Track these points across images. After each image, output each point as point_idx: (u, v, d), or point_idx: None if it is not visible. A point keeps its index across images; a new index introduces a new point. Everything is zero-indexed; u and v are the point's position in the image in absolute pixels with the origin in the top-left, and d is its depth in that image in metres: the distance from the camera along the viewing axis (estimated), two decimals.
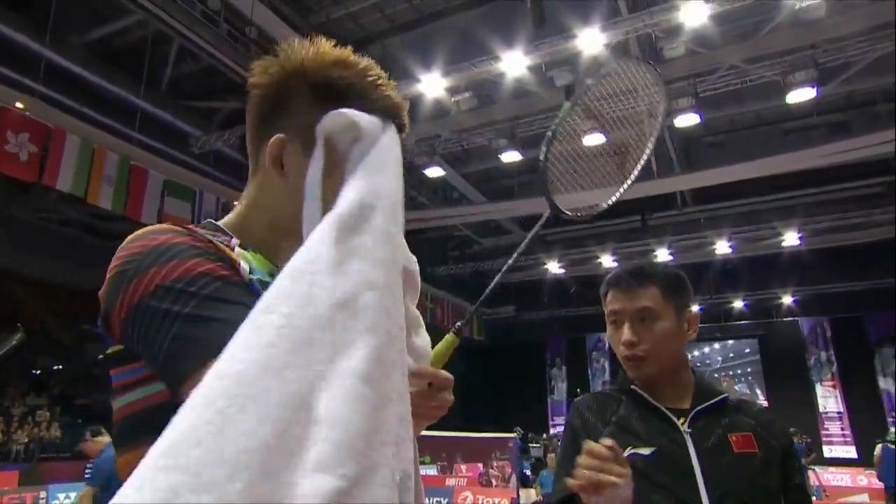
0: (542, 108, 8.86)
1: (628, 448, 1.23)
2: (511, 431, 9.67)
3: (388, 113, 0.79)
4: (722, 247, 12.52)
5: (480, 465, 11.74)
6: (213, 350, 0.59)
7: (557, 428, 17.01)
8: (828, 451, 14.79)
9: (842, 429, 15.31)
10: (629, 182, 1.23)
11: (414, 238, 11.27)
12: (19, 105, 6.85)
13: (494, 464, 11.22)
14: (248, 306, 0.64)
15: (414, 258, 0.80)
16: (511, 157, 9.32)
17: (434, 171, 10.24)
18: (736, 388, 16.22)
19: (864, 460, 13.24)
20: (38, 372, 15.75)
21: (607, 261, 13.42)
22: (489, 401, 15.92)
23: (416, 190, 11.05)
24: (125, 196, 7.88)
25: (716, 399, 1.29)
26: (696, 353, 17.03)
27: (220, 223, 0.83)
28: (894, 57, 7.24)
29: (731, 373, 17.02)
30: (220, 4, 7.49)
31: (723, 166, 9.40)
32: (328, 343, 0.54)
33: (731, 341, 17.11)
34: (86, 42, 8.29)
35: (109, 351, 0.72)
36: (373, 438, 0.52)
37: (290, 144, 0.81)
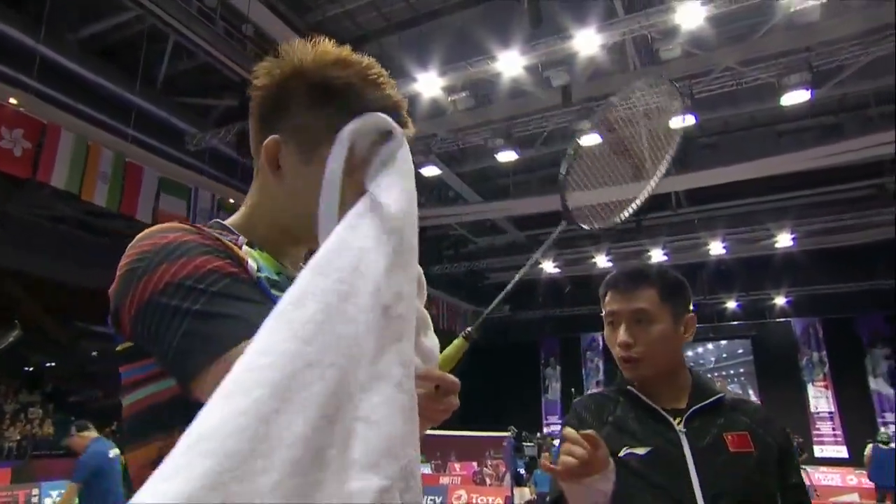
0: (538, 108, 8.86)
1: (624, 448, 1.23)
2: (505, 430, 9.69)
3: (387, 112, 0.78)
4: (716, 247, 12.57)
5: (475, 464, 11.74)
6: (223, 346, 0.61)
7: (551, 427, 17.05)
8: (819, 451, 14.87)
9: (833, 429, 15.40)
10: (641, 199, 1.25)
11: None
12: (13, 101, 6.81)
13: (489, 462, 11.23)
14: (258, 303, 0.67)
15: None
16: (507, 156, 9.32)
17: (430, 171, 10.23)
18: (729, 388, 16.29)
19: (854, 460, 13.33)
20: (31, 369, 15.66)
21: (602, 261, 13.45)
22: (483, 400, 15.93)
23: None
24: (120, 193, 7.84)
25: (712, 399, 1.29)
26: (689, 353, 17.08)
27: (226, 223, 0.84)
28: (894, 59, 7.28)
29: (723, 373, 17.09)
30: (217, 2, 7.46)
31: (717, 167, 9.43)
32: (369, 346, 0.56)
33: (724, 342, 17.18)
34: (80, 38, 8.24)
35: (119, 348, 0.73)
36: (407, 441, 0.55)
37: (286, 146, 0.82)
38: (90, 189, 7.48)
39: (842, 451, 14.71)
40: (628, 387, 1.35)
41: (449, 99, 8.39)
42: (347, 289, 0.56)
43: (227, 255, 0.72)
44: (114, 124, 8.57)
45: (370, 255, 0.60)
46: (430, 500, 9.34)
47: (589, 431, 1.10)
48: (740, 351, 17.00)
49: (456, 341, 0.84)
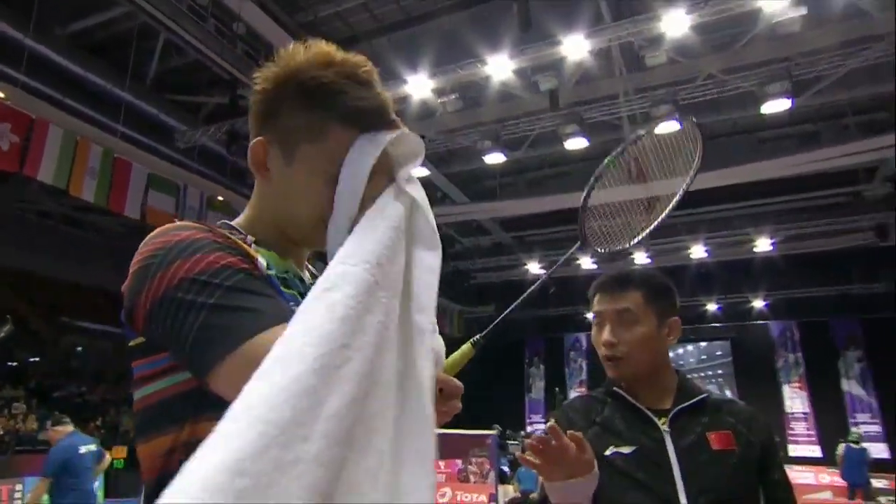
0: (527, 112, 8.89)
1: (610, 447, 1.25)
2: (489, 428, 9.70)
3: (373, 111, 0.79)
4: (698, 251, 12.69)
5: (459, 462, 11.75)
6: (239, 339, 0.62)
7: (535, 425, 17.11)
8: (793, 450, 15.07)
9: (807, 428, 15.61)
10: (653, 227, 1.28)
11: None
12: (1, 94, 6.69)
13: (473, 460, 11.24)
14: (271, 297, 0.69)
15: None
16: (495, 158, 9.34)
17: (418, 171, 10.17)
18: (707, 388, 16.46)
19: (827, 459, 13.52)
20: (15, 364, 15.39)
21: (586, 262, 13.53)
22: (468, 398, 15.83)
23: None
24: (108, 189, 7.73)
25: (696, 399, 1.31)
26: (671, 354, 17.21)
27: (232, 224, 0.85)
28: (893, 66, 7.39)
29: (702, 374, 17.27)
30: (208, 0, 7.39)
31: (700, 173, 9.51)
32: (394, 335, 0.60)
33: (704, 343, 17.35)
34: (70, 33, 8.11)
35: (132, 344, 0.74)
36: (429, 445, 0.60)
37: (272, 148, 0.82)
38: (78, 184, 7.37)
39: (815, 451, 14.92)
40: (615, 388, 1.37)
41: (438, 101, 8.39)
42: (373, 279, 0.59)
43: (238, 252, 0.73)
44: (103, 120, 8.45)
45: (391, 249, 0.63)
46: None
47: (576, 433, 1.11)
48: (719, 353, 17.18)
49: (464, 347, 0.85)
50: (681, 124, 1.32)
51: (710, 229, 12.00)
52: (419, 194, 0.74)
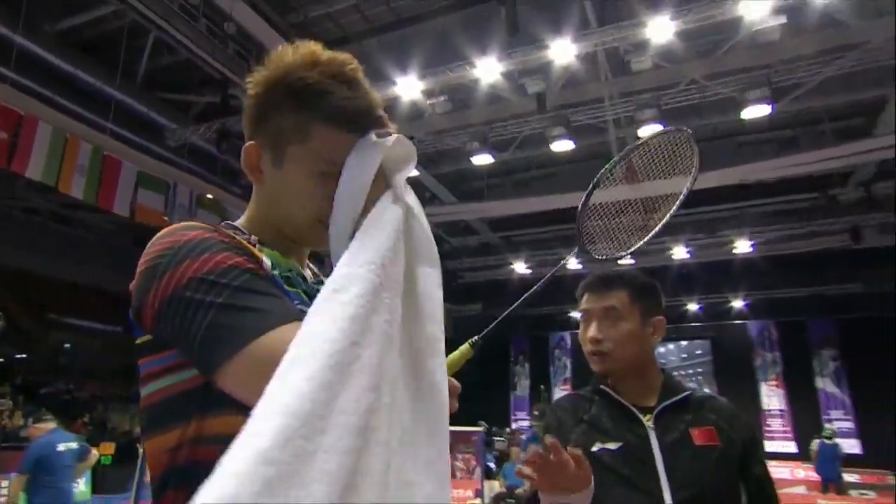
0: (515, 114, 8.90)
1: (597, 444, 1.27)
2: (475, 425, 9.71)
3: (352, 110, 0.79)
4: (679, 252, 12.80)
5: None
6: (247, 337, 0.63)
7: (520, 423, 17.15)
8: (769, 446, 15.27)
9: (783, 425, 15.83)
10: (651, 235, 1.29)
11: None
12: None
13: (459, 456, 11.25)
14: (277, 297, 0.70)
15: None
16: (482, 159, 9.34)
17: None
18: (691, 386, 16.61)
19: (802, 454, 13.72)
20: (2, 360, 15.14)
21: (572, 263, 13.56)
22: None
23: None
24: (97, 186, 7.63)
25: (679, 396, 1.33)
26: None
27: (235, 224, 0.86)
28: (868, 74, 7.50)
29: (682, 372, 17.44)
30: None
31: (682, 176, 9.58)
32: (398, 335, 0.63)
33: (685, 342, 17.51)
34: (59, 30, 7.98)
35: (139, 341, 0.74)
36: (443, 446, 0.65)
37: (264, 151, 0.83)
38: (67, 181, 7.27)
39: (790, 447, 15.13)
40: (602, 386, 1.39)
41: (428, 102, 8.38)
42: (378, 280, 0.62)
43: (244, 252, 0.73)
44: (93, 118, 8.32)
45: (393, 251, 0.66)
46: None
47: (575, 450, 1.11)
48: (699, 352, 17.35)
49: (462, 348, 0.86)
50: (677, 133, 1.32)
51: (691, 231, 12.10)
52: (412, 198, 0.75)
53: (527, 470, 1.11)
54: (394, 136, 0.78)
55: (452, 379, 0.78)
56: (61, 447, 4.20)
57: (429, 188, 11.72)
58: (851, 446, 14.09)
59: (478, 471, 8.23)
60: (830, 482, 10.79)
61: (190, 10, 7.31)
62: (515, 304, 0.98)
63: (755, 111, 7.75)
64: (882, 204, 10.77)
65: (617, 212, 1.31)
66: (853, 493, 10.77)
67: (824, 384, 15.73)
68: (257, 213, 0.86)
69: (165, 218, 8.59)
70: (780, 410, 15.99)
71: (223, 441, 0.66)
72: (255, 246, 0.79)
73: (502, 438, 13.31)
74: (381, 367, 0.57)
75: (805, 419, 15.24)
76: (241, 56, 8.14)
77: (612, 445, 1.27)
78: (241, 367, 0.62)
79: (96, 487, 10.79)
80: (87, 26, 8.09)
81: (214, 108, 8.95)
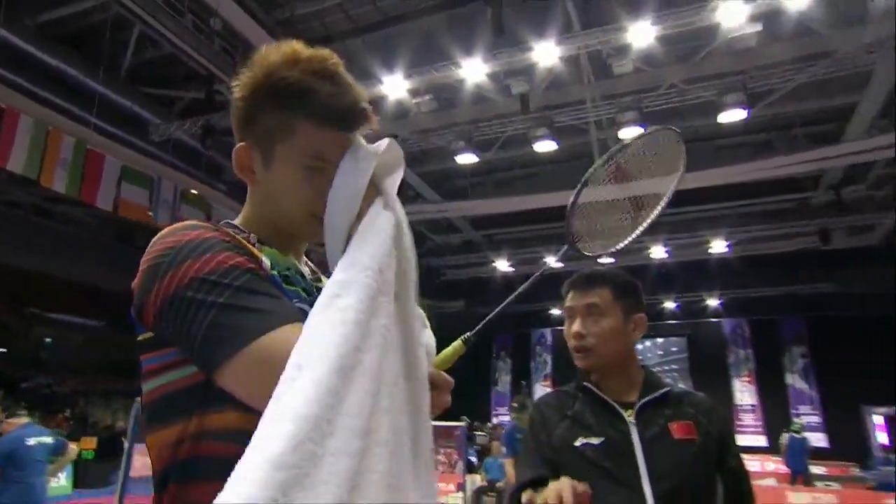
0: (499, 114, 8.92)
1: (580, 438, 1.30)
2: (458, 420, 9.73)
3: (334, 106, 0.79)
4: (658, 252, 12.96)
5: None
6: (247, 338, 0.64)
7: (501, 418, 17.23)
8: (741, 440, 15.54)
9: (755, 420, 16.14)
10: (639, 231, 1.28)
11: None
12: None
13: (441, 451, 11.27)
14: (276, 297, 0.70)
15: None
16: (467, 158, 9.35)
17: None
18: (670, 382, 16.84)
19: (772, 448, 14.00)
20: None
21: (552, 261, 13.66)
22: None
23: None
24: (80, 180, 7.48)
25: (659, 392, 1.36)
26: None
27: (234, 222, 0.86)
28: (839, 81, 7.60)
29: (659, 369, 17.66)
30: None
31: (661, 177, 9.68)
32: (396, 336, 0.65)
33: (661, 339, 17.74)
34: (41, 23, 7.79)
35: (140, 338, 0.74)
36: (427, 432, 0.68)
37: (254, 152, 0.83)
38: (49, 175, 7.11)
39: (761, 441, 15.43)
40: (585, 383, 1.41)
41: (413, 101, 8.35)
42: (377, 286, 0.63)
43: (245, 251, 0.74)
44: (76, 111, 8.15)
45: (388, 257, 0.68)
46: None
47: (583, 490, 1.10)
48: (675, 349, 17.60)
49: (455, 344, 0.86)
50: (666, 131, 1.32)
51: (669, 231, 12.25)
52: (398, 205, 0.77)
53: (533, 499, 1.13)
54: (385, 142, 0.78)
55: (445, 374, 0.79)
56: (31, 441, 4.11)
57: (413, 186, 11.69)
58: (818, 440, 14.41)
59: (460, 465, 8.25)
60: (798, 474, 11.02)
61: (175, 5, 7.18)
62: (507, 301, 0.98)
63: (732, 115, 7.86)
64: (850, 207, 11.02)
65: (605, 209, 1.32)
66: (819, 484, 11.00)
67: (794, 380, 16.07)
68: (253, 212, 0.86)
69: (149, 213, 8.45)
70: (752, 405, 16.29)
71: (223, 437, 0.67)
72: (254, 245, 0.79)
73: (484, 433, 13.38)
74: (380, 370, 0.59)
75: (775, 414, 15.55)
76: (227, 52, 8.02)
77: (594, 440, 1.29)
78: (242, 366, 0.63)
79: (78, 482, 10.61)
80: (70, 19, 7.90)
81: (199, 104, 8.81)
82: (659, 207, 1.32)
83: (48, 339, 15.75)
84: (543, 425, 1.38)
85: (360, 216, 0.72)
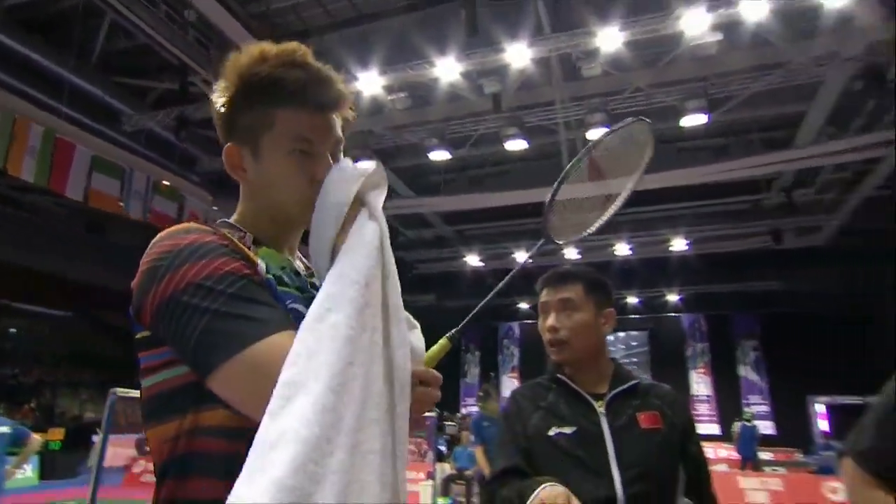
0: (472, 112, 8.93)
1: (553, 428, 1.34)
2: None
3: (306, 88, 0.80)
4: (622, 249, 13.19)
5: None
6: (239, 345, 0.64)
7: (469, 408, 17.34)
8: (697, 429, 15.97)
9: (710, 409, 16.63)
10: (607, 216, 1.27)
11: None
12: None
13: (412, 440, 11.29)
14: (270, 305, 0.71)
15: None
16: (439, 155, 9.34)
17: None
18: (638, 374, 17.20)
19: (725, 436, 14.46)
20: None
21: (521, 257, 13.78)
22: None
23: None
24: (49, 169, 7.20)
25: (628, 384, 1.39)
26: None
27: (230, 221, 0.86)
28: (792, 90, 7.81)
29: (622, 361, 17.98)
30: None
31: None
32: (380, 348, 0.66)
33: (623, 333, 18.09)
34: (7, 6, 7.44)
35: (138, 336, 0.75)
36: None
37: (242, 150, 0.84)
38: (17, 164, 6.83)
39: (715, 429, 15.91)
40: (558, 375, 1.45)
41: (388, 98, 8.29)
42: (364, 300, 0.64)
43: (241, 256, 0.74)
44: (45, 100, 7.83)
45: (375, 268, 0.69)
46: None
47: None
48: (635, 343, 17.98)
49: (441, 341, 0.88)
50: (639, 122, 1.30)
51: (632, 229, 12.48)
52: (382, 218, 0.78)
53: None
54: (373, 164, 0.81)
55: (434, 371, 0.80)
56: None
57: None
58: (767, 428, 14.95)
59: (430, 454, 8.28)
60: (748, 461, 11.41)
61: None
62: (488, 297, 0.99)
63: (693, 119, 8.05)
64: (800, 209, 11.42)
65: (581, 201, 1.33)
66: (767, 469, 11.42)
67: (746, 372, 16.62)
68: (248, 208, 0.86)
69: (121, 203, 8.19)
70: (707, 396, 16.78)
71: (216, 433, 0.68)
72: (249, 247, 0.79)
73: (453, 423, 13.46)
74: (369, 384, 0.60)
75: (728, 404, 16.06)
76: (202, 44, 7.81)
77: (567, 430, 1.33)
78: (234, 372, 0.64)
79: (45, 473, 10.27)
80: (40, 4, 7.58)
81: (173, 95, 8.57)
82: (624, 196, 1.32)
83: (13, 330, 15.16)
84: (518, 415, 1.40)
85: (345, 226, 0.73)
